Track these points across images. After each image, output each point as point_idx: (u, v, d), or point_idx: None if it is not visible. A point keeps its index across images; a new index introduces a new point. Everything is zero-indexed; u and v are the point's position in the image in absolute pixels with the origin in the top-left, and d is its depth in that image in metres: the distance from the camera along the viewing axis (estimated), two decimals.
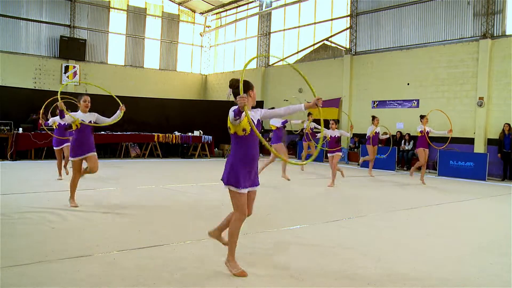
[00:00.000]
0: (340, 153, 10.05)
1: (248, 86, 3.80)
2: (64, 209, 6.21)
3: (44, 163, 11.44)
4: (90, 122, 6.44)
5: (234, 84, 3.73)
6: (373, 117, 12.41)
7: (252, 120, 3.80)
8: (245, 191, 3.81)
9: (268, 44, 22.23)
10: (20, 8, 19.98)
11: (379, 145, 13.21)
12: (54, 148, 9.35)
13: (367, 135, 12.51)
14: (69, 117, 6.34)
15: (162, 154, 16.09)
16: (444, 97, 15.01)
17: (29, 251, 4.21)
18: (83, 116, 6.41)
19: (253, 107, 3.94)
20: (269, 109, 4.25)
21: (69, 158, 6.56)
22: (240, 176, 3.77)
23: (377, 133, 12.37)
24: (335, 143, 9.85)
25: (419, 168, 11.54)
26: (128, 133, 15.14)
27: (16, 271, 3.68)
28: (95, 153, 6.56)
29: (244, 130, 3.77)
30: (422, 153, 10.95)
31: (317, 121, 13.91)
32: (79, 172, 6.47)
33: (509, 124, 12.99)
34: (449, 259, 4.60)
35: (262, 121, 4.03)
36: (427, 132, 10.82)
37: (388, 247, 4.94)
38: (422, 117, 10.99)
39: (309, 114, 13.70)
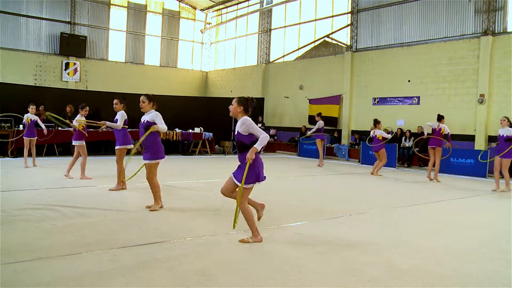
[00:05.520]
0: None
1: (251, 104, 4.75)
2: (65, 206, 6.23)
3: (45, 160, 11.46)
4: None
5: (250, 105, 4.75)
6: (377, 122, 12.22)
7: None
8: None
9: (268, 41, 22.19)
10: (20, 5, 19.94)
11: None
12: (24, 137, 10.71)
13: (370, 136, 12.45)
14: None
15: None
16: (445, 94, 14.99)
17: (30, 248, 4.22)
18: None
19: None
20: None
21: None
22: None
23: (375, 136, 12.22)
24: None
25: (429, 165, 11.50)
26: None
27: (16, 267, 3.69)
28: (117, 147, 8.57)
29: None
30: (433, 151, 11.06)
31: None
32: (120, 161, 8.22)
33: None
34: (449, 255, 4.61)
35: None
36: (440, 129, 10.91)
37: (388, 244, 4.95)
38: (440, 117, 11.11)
39: (319, 114, 14.18)
